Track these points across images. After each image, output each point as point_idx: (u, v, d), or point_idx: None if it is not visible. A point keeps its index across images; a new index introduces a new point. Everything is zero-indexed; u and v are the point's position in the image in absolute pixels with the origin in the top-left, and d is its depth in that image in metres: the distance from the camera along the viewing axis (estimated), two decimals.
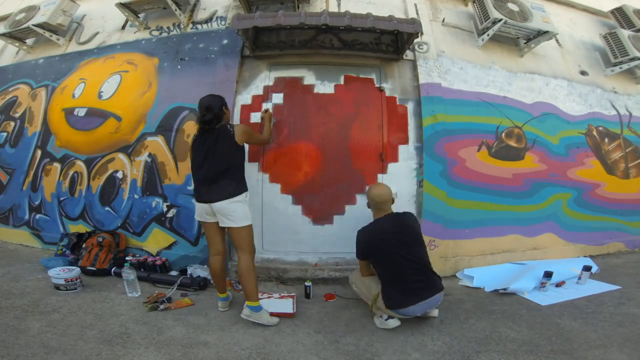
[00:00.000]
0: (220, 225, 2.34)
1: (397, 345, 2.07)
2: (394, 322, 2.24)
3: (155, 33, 3.82)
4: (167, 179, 3.24)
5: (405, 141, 3.20)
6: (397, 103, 3.25)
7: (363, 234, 2.38)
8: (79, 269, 2.79)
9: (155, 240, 3.26)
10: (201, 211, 2.38)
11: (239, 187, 2.35)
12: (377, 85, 3.25)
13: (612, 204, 3.83)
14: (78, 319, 2.24)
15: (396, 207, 3.11)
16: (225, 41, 3.45)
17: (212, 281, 2.58)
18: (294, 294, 2.69)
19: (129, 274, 2.62)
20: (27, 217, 3.74)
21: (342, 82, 3.24)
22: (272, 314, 2.32)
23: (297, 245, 3.11)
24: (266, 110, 3.02)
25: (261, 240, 3.12)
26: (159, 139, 3.31)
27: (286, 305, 2.49)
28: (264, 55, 3.33)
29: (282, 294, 2.68)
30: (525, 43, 3.77)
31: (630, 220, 3.92)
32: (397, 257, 2.20)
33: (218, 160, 2.31)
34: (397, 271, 2.22)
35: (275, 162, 3.14)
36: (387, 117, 3.19)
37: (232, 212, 2.27)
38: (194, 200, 2.50)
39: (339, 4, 3.59)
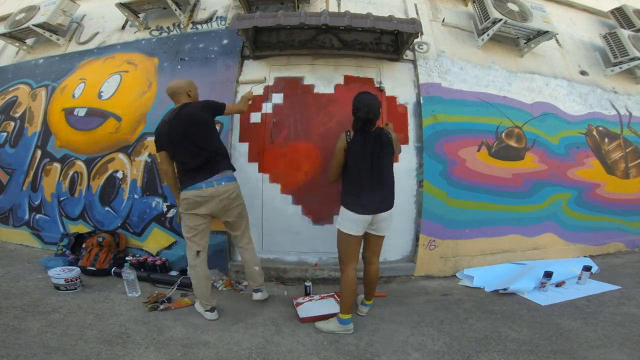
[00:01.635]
0: (379, 234, 2.29)
1: (397, 345, 2.07)
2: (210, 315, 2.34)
3: (155, 33, 3.82)
4: None
5: (405, 141, 3.20)
6: (397, 103, 3.25)
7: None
8: (79, 269, 2.79)
9: (155, 240, 3.26)
10: (361, 224, 2.19)
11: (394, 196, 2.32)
12: (377, 85, 3.25)
13: (612, 204, 3.83)
14: (78, 319, 2.24)
15: (396, 206, 3.12)
16: (225, 41, 3.45)
17: (347, 296, 2.22)
18: (332, 292, 2.70)
19: (129, 274, 2.62)
20: (27, 217, 3.74)
21: (342, 82, 3.24)
22: (320, 317, 2.33)
23: (297, 245, 3.11)
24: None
25: (261, 240, 3.12)
26: None
27: (331, 306, 2.49)
28: (264, 55, 3.32)
29: (322, 295, 2.67)
30: (525, 43, 3.77)
31: (630, 220, 3.92)
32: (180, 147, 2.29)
33: (386, 165, 2.24)
34: (179, 158, 2.33)
35: (275, 162, 3.14)
36: (387, 117, 3.19)
37: (392, 221, 2.30)
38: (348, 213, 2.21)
39: (339, 4, 3.59)
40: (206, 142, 2.33)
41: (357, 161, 2.20)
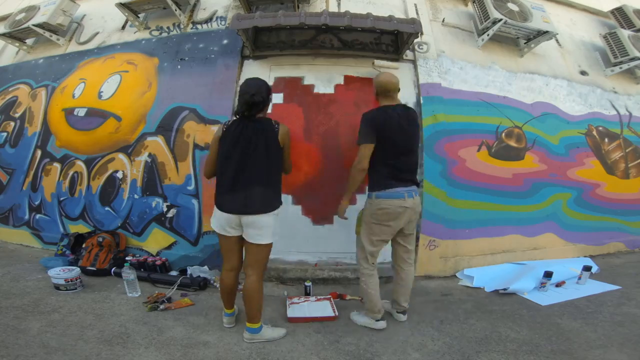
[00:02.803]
0: (248, 239, 1.99)
1: (397, 345, 2.07)
2: (381, 324, 2.23)
3: (155, 33, 3.82)
4: (167, 179, 3.24)
5: None
6: None
7: (370, 114, 2.19)
8: (79, 269, 2.79)
9: (155, 240, 3.26)
10: (224, 223, 1.98)
11: (278, 197, 2.04)
12: None
13: (612, 204, 3.83)
14: (78, 319, 2.24)
15: None
16: (225, 41, 3.45)
17: (220, 297, 2.18)
18: (329, 295, 2.67)
19: (129, 274, 2.62)
20: (27, 217, 3.74)
21: (342, 82, 3.24)
22: (313, 319, 2.30)
23: (297, 245, 3.11)
24: None
25: None
26: (159, 139, 3.31)
27: (325, 309, 2.47)
28: (264, 55, 3.33)
29: (318, 297, 2.65)
30: (525, 43, 3.77)
31: (630, 220, 3.92)
32: (398, 146, 2.14)
33: (259, 157, 1.94)
34: (391, 157, 2.14)
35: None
36: None
37: (266, 226, 1.96)
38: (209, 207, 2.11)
39: (339, 4, 3.59)
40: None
41: (228, 149, 1.96)
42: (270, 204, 1.98)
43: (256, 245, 1.98)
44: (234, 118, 2.06)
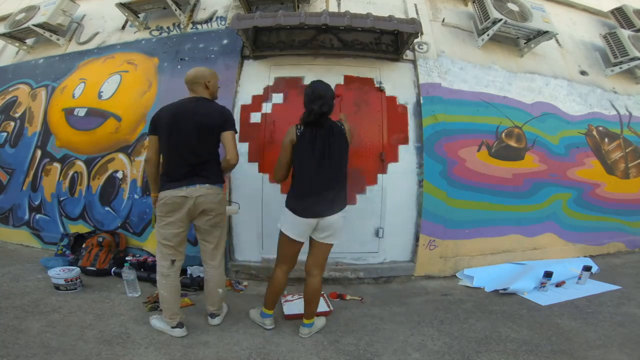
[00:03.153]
0: (323, 242, 2.03)
1: (397, 345, 2.07)
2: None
3: (155, 33, 3.82)
4: None
5: (405, 141, 3.20)
6: (397, 103, 3.25)
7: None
8: (79, 269, 2.79)
9: (155, 240, 3.25)
10: (304, 229, 2.00)
11: (347, 195, 2.07)
12: (377, 85, 3.25)
13: (612, 204, 3.83)
14: (78, 319, 2.24)
15: (396, 206, 3.13)
16: (225, 41, 3.45)
17: (266, 296, 2.18)
18: (322, 292, 2.63)
19: (128, 274, 2.62)
20: (27, 217, 3.74)
21: (342, 82, 3.24)
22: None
23: None
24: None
25: (261, 240, 3.12)
26: None
27: (320, 305, 2.41)
28: (264, 55, 3.33)
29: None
30: (525, 43, 3.77)
31: (630, 220, 3.92)
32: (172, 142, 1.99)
33: (336, 164, 1.98)
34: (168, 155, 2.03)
35: (275, 162, 3.13)
36: (387, 117, 3.19)
37: (341, 227, 2.02)
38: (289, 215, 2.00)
39: (339, 4, 3.60)
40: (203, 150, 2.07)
41: (304, 156, 1.98)
42: (345, 203, 2.05)
43: (327, 245, 2.07)
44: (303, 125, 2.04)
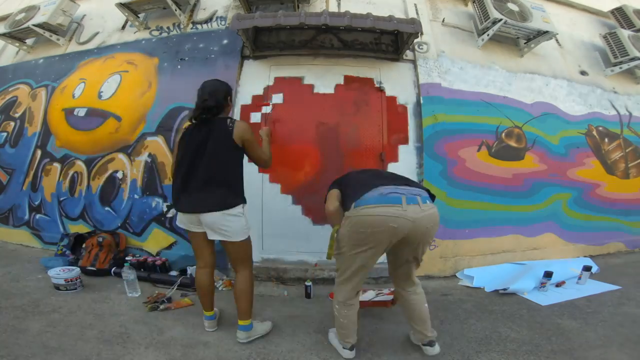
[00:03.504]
0: (209, 238, 2.00)
1: (397, 345, 2.07)
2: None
3: (155, 33, 3.82)
4: (167, 179, 3.24)
5: (405, 141, 3.20)
6: (397, 103, 3.25)
7: None
8: (79, 269, 2.79)
9: (155, 240, 3.26)
10: (184, 219, 2.02)
11: (236, 197, 1.99)
12: (377, 85, 3.25)
13: (612, 204, 3.83)
14: (78, 319, 2.23)
15: None
16: (225, 41, 3.45)
17: (198, 297, 2.15)
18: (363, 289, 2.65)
19: (128, 274, 2.62)
20: (27, 217, 3.74)
21: (342, 82, 3.24)
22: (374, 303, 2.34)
23: (297, 245, 3.11)
24: (266, 128, 2.52)
25: (261, 240, 3.12)
26: (159, 139, 3.31)
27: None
28: (264, 55, 3.33)
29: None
30: (525, 43, 3.77)
31: (630, 220, 3.92)
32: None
33: (210, 163, 1.92)
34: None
35: (275, 162, 3.12)
36: (387, 117, 3.19)
37: (226, 226, 1.93)
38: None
39: (339, 4, 3.60)
40: None
41: (182, 153, 1.98)
42: (225, 203, 1.92)
43: (226, 243, 1.98)
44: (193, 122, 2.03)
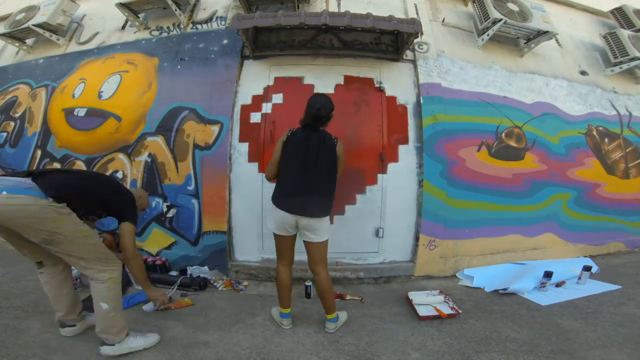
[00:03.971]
0: (303, 239, 2.17)
1: (397, 345, 2.07)
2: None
3: (155, 33, 3.82)
4: (167, 179, 3.24)
5: (405, 141, 3.20)
6: (397, 103, 3.25)
7: None
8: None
9: (155, 240, 3.26)
10: (280, 221, 2.11)
11: (332, 206, 2.18)
12: (377, 85, 3.25)
13: (612, 204, 3.83)
14: None
15: (396, 206, 3.13)
16: (225, 41, 3.45)
17: (278, 295, 2.26)
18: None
19: None
20: None
21: (342, 82, 3.24)
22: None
23: (297, 245, 3.09)
24: None
25: (261, 240, 3.12)
26: (159, 139, 3.31)
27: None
28: (264, 55, 3.33)
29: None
30: (525, 43, 3.77)
31: (630, 220, 3.92)
32: None
33: (322, 171, 2.10)
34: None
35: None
36: (387, 117, 3.19)
37: (321, 227, 2.11)
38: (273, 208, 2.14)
39: (339, 4, 3.60)
40: None
41: (291, 155, 2.11)
42: (325, 210, 2.12)
43: (312, 244, 2.14)
44: (299, 127, 2.18)
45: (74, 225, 1.73)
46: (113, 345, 1.85)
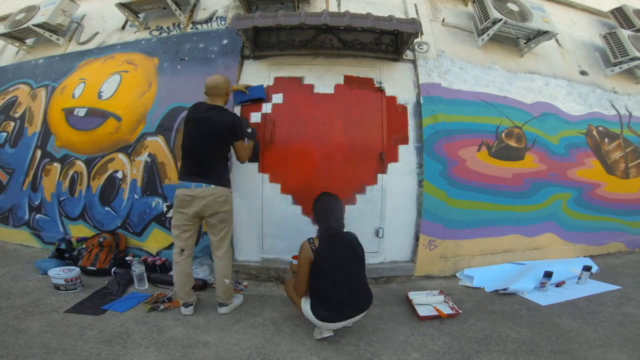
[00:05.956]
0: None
1: (397, 345, 2.07)
2: None
3: (155, 33, 3.82)
4: (167, 179, 3.24)
5: (405, 141, 3.20)
6: (397, 103, 3.25)
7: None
8: (78, 269, 2.79)
9: (155, 240, 3.26)
10: (333, 327, 2.12)
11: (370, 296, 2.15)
12: (377, 85, 3.25)
13: (612, 204, 3.83)
14: (78, 319, 2.24)
15: (396, 206, 3.13)
16: (225, 41, 3.45)
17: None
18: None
19: (137, 267, 2.71)
20: (27, 217, 3.74)
21: (342, 82, 3.24)
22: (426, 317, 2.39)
23: (297, 245, 3.08)
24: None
25: (261, 240, 3.12)
26: (159, 139, 3.31)
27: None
28: (264, 55, 3.33)
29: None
30: (525, 43, 3.77)
31: (630, 220, 3.92)
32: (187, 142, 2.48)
33: (357, 271, 2.11)
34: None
35: (275, 162, 3.14)
36: (387, 117, 3.19)
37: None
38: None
39: (339, 4, 3.60)
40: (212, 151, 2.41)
41: (328, 273, 2.01)
42: (369, 300, 2.11)
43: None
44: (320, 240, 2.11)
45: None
46: (227, 305, 2.44)
